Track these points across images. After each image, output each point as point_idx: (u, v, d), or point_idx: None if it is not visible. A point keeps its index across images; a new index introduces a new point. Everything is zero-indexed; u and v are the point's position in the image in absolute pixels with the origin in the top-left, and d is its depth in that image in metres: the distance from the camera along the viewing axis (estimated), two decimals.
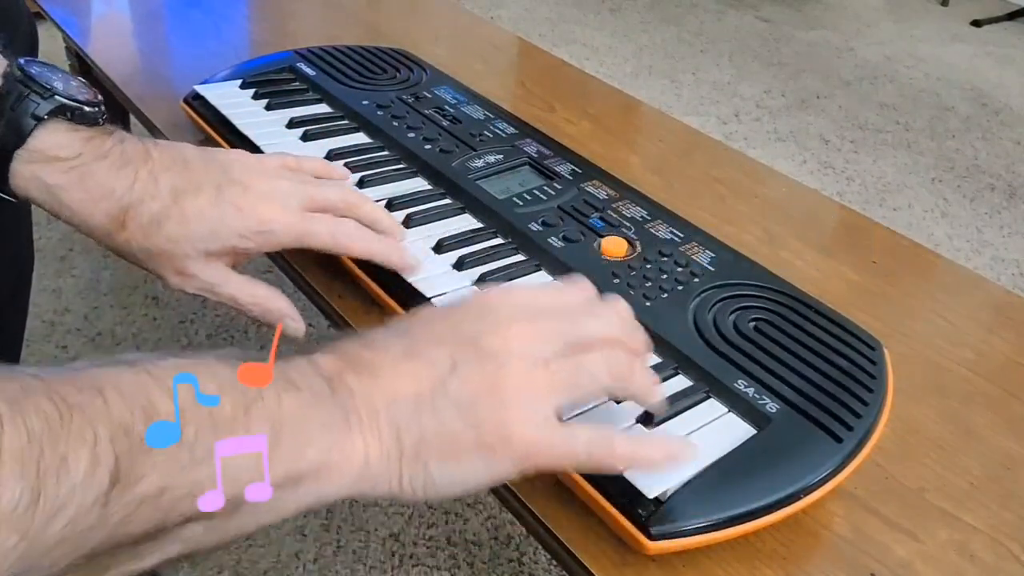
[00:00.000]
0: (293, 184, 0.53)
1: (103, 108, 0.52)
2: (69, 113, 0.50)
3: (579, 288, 0.44)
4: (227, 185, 0.51)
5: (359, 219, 0.54)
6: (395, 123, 0.70)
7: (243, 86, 0.74)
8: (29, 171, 0.49)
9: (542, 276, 0.55)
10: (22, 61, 0.50)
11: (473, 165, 0.65)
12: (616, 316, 0.42)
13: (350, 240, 0.52)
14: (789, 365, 0.49)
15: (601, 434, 0.39)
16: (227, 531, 0.34)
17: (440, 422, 0.37)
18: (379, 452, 0.36)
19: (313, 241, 0.52)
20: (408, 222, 0.58)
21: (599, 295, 0.44)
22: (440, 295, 0.52)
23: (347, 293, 0.57)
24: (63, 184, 0.49)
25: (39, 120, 0.48)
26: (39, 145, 0.49)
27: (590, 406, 0.44)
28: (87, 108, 0.50)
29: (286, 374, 0.35)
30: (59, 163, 0.49)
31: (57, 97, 0.49)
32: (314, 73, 0.77)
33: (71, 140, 0.50)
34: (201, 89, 0.72)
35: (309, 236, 0.51)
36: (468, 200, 0.61)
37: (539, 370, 0.38)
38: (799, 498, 0.42)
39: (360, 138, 0.69)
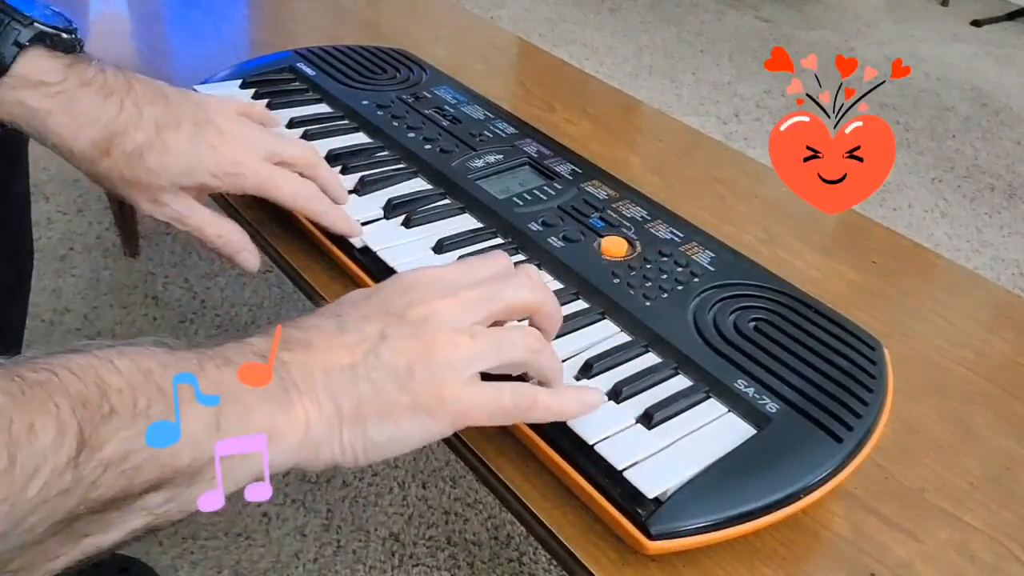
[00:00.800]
0: (262, 134, 0.56)
1: (79, 36, 0.53)
2: (49, 40, 0.51)
3: (494, 260, 0.45)
4: (204, 124, 0.54)
5: (315, 179, 0.58)
6: (395, 123, 0.70)
7: (243, 86, 0.74)
8: (15, 97, 0.51)
9: (542, 276, 0.55)
10: None
11: (473, 165, 0.65)
12: (527, 279, 0.44)
13: (307, 202, 0.56)
14: (789, 365, 0.49)
15: (522, 387, 0.42)
16: (188, 502, 0.35)
17: (376, 388, 0.38)
18: (319, 418, 0.38)
19: (276, 193, 0.55)
20: (408, 222, 0.58)
21: (512, 264, 0.46)
22: None
23: (346, 293, 0.57)
24: (49, 108, 0.51)
25: (21, 47, 0.50)
26: (23, 71, 0.50)
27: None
28: (65, 35, 0.52)
29: (223, 353, 0.37)
30: (45, 87, 0.51)
31: (36, 24, 0.51)
32: (314, 73, 0.77)
33: (54, 66, 0.52)
34: (201, 89, 0.72)
35: (273, 188, 0.55)
36: (468, 200, 0.61)
37: (464, 337, 0.40)
38: (799, 498, 0.42)
39: (360, 138, 0.69)
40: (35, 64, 0.51)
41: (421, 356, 0.39)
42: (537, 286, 0.44)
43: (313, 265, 0.59)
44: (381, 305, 0.41)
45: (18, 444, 0.29)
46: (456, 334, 0.40)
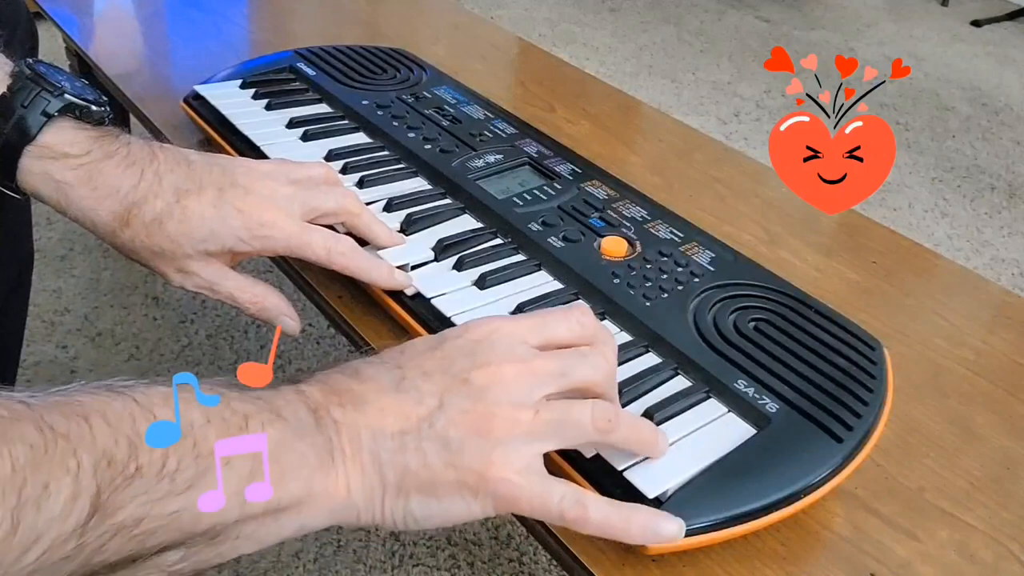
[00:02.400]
0: (294, 190, 0.53)
1: (108, 108, 0.52)
2: (77, 111, 0.50)
3: (575, 316, 0.42)
4: (229, 188, 0.51)
5: (356, 228, 0.55)
6: (395, 123, 0.70)
7: (243, 86, 0.74)
8: (39, 167, 0.50)
9: (542, 276, 0.55)
10: (30, 60, 0.51)
11: (473, 165, 0.65)
12: (604, 361, 0.41)
13: (344, 259, 0.52)
14: (789, 365, 0.49)
15: (577, 495, 0.38)
16: (205, 559, 0.34)
17: (423, 460, 0.37)
18: (361, 485, 0.37)
19: (308, 253, 0.52)
20: (408, 222, 0.58)
21: (595, 323, 0.43)
22: (440, 295, 0.53)
23: (347, 293, 0.57)
24: (71, 181, 0.50)
25: (49, 117, 0.49)
26: (49, 141, 0.50)
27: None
28: (94, 107, 0.51)
29: (272, 403, 0.36)
30: (69, 160, 0.50)
31: (67, 95, 0.50)
32: (314, 73, 0.77)
33: (80, 138, 0.50)
34: (201, 89, 0.73)
35: (305, 248, 0.52)
36: (468, 200, 0.61)
37: (526, 414, 0.38)
38: (799, 498, 0.42)
39: (360, 138, 0.69)
40: (61, 135, 0.50)
41: (476, 430, 0.37)
42: (610, 368, 0.42)
43: (314, 266, 0.59)
44: (446, 362, 0.39)
45: (25, 509, 0.27)
46: (517, 410, 0.38)
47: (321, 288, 0.57)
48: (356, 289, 0.57)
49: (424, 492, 0.37)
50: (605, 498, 0.39)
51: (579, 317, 0.42)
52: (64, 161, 0.50)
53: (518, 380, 0.38)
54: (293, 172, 0.55)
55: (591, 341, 0.42)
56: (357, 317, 0.55)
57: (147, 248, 0.51)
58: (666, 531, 0.38)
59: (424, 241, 0.57)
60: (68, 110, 0.50)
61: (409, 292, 0.53)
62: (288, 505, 0.35)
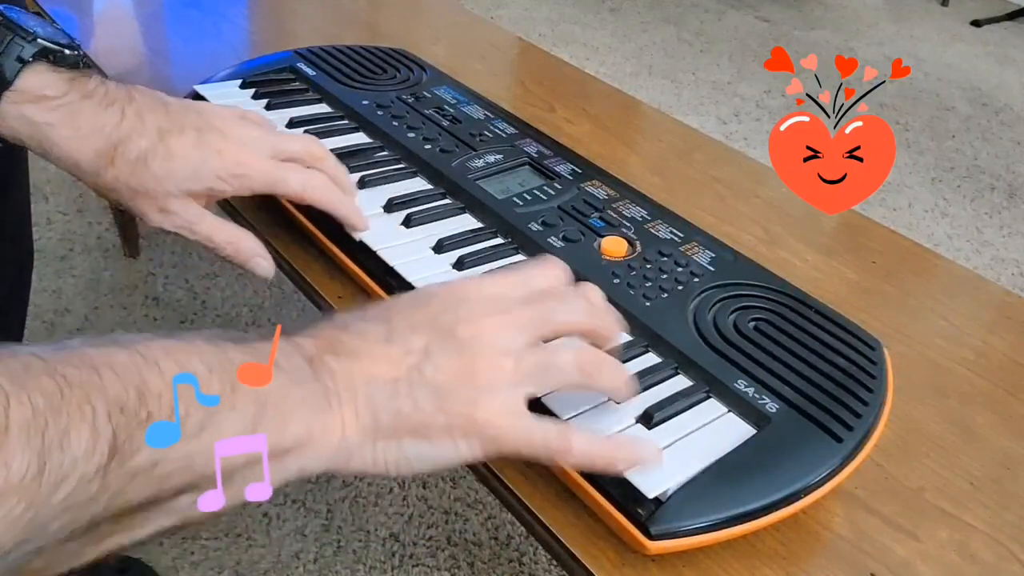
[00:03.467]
0: (263, 133, 0.56)
1: (82, 52, 0.54)
2: (52, 56, 0.52)
3: (550, 269, 0.45)
4: (207, 129, 0.54)
5: (323, 172, 0.57)
6: (395, 123, 0.70)
7: (243, 86, 0.74)
8: (17, 111, 0.51)
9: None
10: (2, 7, 0.52)
11: (473, 165, 0.65)
12: (586, 302, 0.44)
13: (317, 192, 0.55)
14: (789, 365, 0.49)
15: (560, 429, 0.40)
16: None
17: (414, 405, 0.38)
18: (356, 428, 0.38)
19: (284, 188, 0.55)
20: (408, 222, 0.58)
21: (569, 276, 0.46)
22: None
23: (347, 293, 0.57)
24: (52, 121, 0.51)
25: (24, 63, 0.50)
26: (25, 85, 0.51)
27: (590, 406, 0.44)
28: (68, 51, 0.52)
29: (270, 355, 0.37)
30: (47, 101, 0.51)
31: (40, 40, 0.51)
32: (314, 73, 0.77)
33: (56, 80, 0.52)
34: (201, 89, 0.73)
35: (281, 183, 0.54)
36: (468, 200, 0.61)
37: (509, 360, 0.40)
38: (799, 498, 0.42)
39: (360, 138, 0.69)
40: (37, 79, 0.51)
41: (462, 376, 0.39)
42: (594, 307, 0.44)
43: (313, 265, 0.59)
44: (431, 317, 0.41)
45: (50, 452, 0.28)
46: (501, 356, 0.40)
47: (321, 288, 0.57)
48: (356, 288, 0.57)
49: (417, 434, 0.39)
50: (583, 432, 0.40)
51: (554, 267, 0.45)
52: (43, 103, 0.51)
53: (499, 329, 0.40)
54: (253, 117, 0.58)
55: (569, 288, 0.45)
56: None
57: (129, 187, 0.52)
58: (647, 456, 0.41)
59: (424, 240, 0.57)
60: (42, 55, 0.51)
61: (358, 237, 0.56)
62: (291, 447, 0.36)
